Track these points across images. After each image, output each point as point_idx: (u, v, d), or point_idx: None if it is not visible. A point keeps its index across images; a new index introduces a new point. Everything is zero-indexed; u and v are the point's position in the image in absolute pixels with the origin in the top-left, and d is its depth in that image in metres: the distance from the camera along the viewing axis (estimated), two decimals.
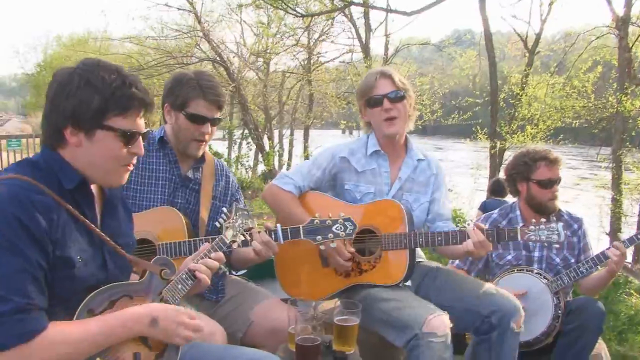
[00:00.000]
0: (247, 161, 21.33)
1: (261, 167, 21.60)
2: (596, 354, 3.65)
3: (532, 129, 16.43)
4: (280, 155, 23.72)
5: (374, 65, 18.14)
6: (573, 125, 16.65)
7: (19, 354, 1.72)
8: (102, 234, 2.01)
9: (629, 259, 12.24)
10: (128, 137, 1.97)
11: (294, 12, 9.57)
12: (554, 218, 2.95)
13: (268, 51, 21.11)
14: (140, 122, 2.02)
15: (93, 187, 2.06)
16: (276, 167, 21.05)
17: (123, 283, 2.05)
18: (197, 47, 20.27)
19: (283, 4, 9.15)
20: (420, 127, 18.91)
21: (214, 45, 18.48)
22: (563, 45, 17.96)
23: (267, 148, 20.43)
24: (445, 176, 3.48)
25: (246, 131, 20.41)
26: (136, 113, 1.99)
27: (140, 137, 2.03)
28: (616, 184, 14.07)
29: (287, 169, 24.05)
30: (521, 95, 16.35)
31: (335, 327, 2.73)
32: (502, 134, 16.02)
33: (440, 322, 2.80)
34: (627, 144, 14.31)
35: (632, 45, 13.31)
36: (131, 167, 2.07)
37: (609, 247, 3.65)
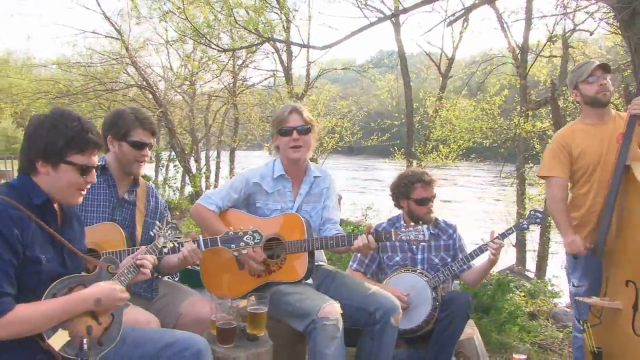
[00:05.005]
0: (175, 183, 21.52)
1: (188, 189, 21.87)
2: (469, 338, 4.37)
3: (444, 148, 17.51)
4: (207, 177, 24.04)
5: (296, 90, 18.93)
6: (483, 144, 17.75)
7: None
8: (62, 239, 2.63)
9: (513, 261, 13.52)
10: (84, 170, 2.62)
11: (217, 47, 10.21)
12: (430, 225, 3.68)
13: (194, 77, 21.48)
14: (95, 158, 2.68)
15: (55, 205, 2.68)
16: (203, 188, 21.35)
17: (79, 275, 2.67)
18: (125, 72, 20.51)
19: (206, 40, 9.80)
20: (339, 148, 19.76)
21: (141, 71, 18.81)
22: (474, 70, 19.06)
23: (194, 170, 20.72)
24: (335, 188, 4.23)
25: (173, 154, 20.68)
26: (91, 152, 2.64)
27: (94, 169, 2.68)
28: (520, 199, 15.20)
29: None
30: (435, 118, 17.35)
31: (248, 314, 3.42)
32: (417, 154, 16.99)
33: (332, 309, 3.46)
34: (529, 162, 15.47)
35: (527, 72, 14.40)
36: (84, 191, 2.70)
37: (477, 248, 4.41)
